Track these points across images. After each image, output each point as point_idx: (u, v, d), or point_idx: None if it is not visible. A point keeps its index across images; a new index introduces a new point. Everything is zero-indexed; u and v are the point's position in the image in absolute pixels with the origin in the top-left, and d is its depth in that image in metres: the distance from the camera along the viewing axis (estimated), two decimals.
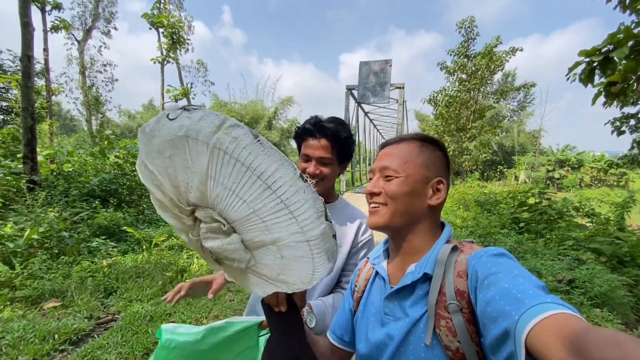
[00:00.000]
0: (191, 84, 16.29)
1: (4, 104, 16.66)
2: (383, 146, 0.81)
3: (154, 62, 14.82)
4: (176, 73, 15.78)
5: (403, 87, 10.51)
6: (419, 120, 23.15)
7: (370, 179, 0.79)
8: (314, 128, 1.11)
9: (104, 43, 18.09)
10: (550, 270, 3.94)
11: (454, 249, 0.67)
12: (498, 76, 20.47)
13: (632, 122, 8.67)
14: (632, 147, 8.86)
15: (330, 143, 1.10)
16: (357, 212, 1.25)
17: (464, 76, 16.17)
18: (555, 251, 4.77)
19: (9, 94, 16.51)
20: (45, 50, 12.98)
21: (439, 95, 16.29)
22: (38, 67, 14.63)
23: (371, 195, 0.75)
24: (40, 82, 14.43)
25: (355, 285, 0.86)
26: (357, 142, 15.72)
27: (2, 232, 4.19)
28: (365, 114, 14.96)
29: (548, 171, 31.65)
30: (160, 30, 14.53)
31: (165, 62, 14.89)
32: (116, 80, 19.14)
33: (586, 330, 0.38)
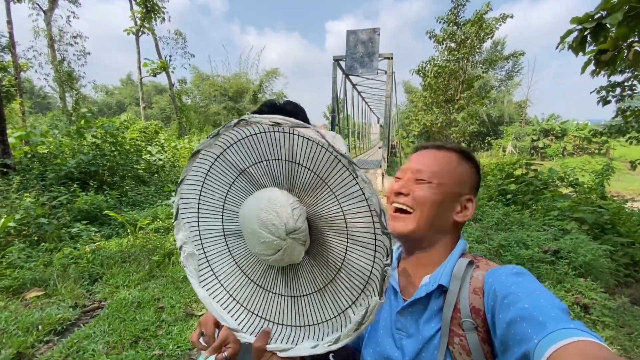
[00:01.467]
0: (170, 56, 15.43)
1: None
2: (419, 148, 0.79)
3: (128, 33, 13.88)
4: (153, 45, 14.86)
5: (392, 58, 10.18)
6: (408, 92, 22.89)
7: (397, 178, 0.76)
8: (269, 111, 1.07)
9: (72, 12, 16.73)
10: (537, 242, 4.02)
11: (470, 263, 0.65)
12: (487, 44, 20.13)
13: (618, 90, 8.71)
14: (617, 115, 8.96)
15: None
16: None
17: (453, 45, 15.80)
18: (540, 222, 4.86)
19: None
20: (9, 22, 11.91)
21: (428, 65, 15.96)
22: (3, 41, 13.56)
23: (397, 194, 0.72)
24: (7, 58, 13.42)
25: None
26: (345, 115, 15.43)
27: None
28: (354, 86, 14.60)
29: (533, 141, 32.32)
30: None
31: (140, 33, 13.96)
32: (88, 53, 17.91)
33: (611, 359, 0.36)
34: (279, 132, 0.59)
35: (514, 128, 29.74)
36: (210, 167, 0.68)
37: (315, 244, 0.64)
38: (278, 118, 0.57)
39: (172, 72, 15.90)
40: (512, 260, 3.67)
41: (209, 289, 0.69)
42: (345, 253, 0.59)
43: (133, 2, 13.54)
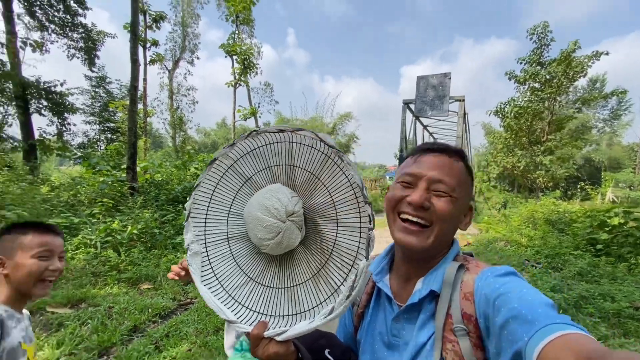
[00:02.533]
0: (258, 103, 17.93)
1: (112, 124, 20.22)
2: (427, 151, 0.72)
3: (228, 86, 16.72)
4: (246, 94, 17.54)
5: (463, 100, 10.18)
6: (488, 134, 21.77)
7: (406, 183, 0.70)
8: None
9: (188, 71, 21.02)
10: (630, 298, 3.54)
11: (460, 267, 0.65)
12: (582, 83, 18.40)
13: None
14: None
15: None
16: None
17: (536, 85, 14.97)
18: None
19: (115, 117, 20.03)
20: (145, 80, 15.60)
21: (507, 106, 15.28)
22: (138, 93, 17.59)
23: (417, 207, 0.66)
24: (139, 106, 17.35)
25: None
26: None
27: (112, 227, 5.25)
28: (425, 127, 14.69)
29: None
30: (234, 57, 16.41)
31: (237, 85, 16.69)
32: (197, 102, 21.91)
33: (601, 352, 0.37)
34: (282, 142, 0.71)
35: (624, 175, 25.39)
36: (222, 175, 0.76)
37: (310, 235, 0.70)
38: (282, 125, 0.69)
39: (260, 117, 18.34)
40: (595, 314, 3.31)
41: (210, 287, 0.70)
42: (336, 237, 0.64)
43: (235, 61, 16.44)
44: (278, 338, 0.59)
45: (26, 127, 13.50)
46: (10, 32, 13.51)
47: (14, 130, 16.20)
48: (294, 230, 0.66)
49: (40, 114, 17.47)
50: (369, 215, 0.59)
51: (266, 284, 0.70)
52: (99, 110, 20.34)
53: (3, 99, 15.01)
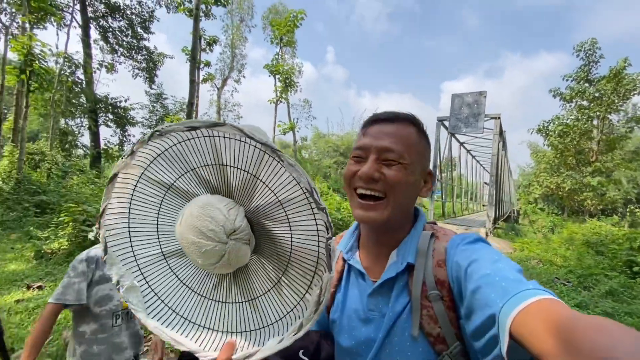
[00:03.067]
0: (297, 119, 18.93)
1: None
2: (375, 121, 0.70)
3: (270, 103, 17.93)
4: (286, 110, 18.64)
5: (499, 118, 10.16)
6: (534, 152, 20.89)
7: (357, 157, 0.69)
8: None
9: (235, 88, 22.79)
10: None
11: (431, 236, 0.67)
12: (638, 101, 17.19)
13: None
14: None
15: None
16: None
17: (584, 103, 14.35)
18: None
19: None
20: (197, 97, 17.27)
21: (551, 124, 14.74)
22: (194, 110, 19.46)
23: (367, 180, 0.65)
24: None
25: None
26: (450, 174, 15.31)
27: None
28: (461, 144, 14.62)
29: None
30: (277, 76, 17.64)
31: (278, 102, 17.86)
32: (241, 117, 23.60)
33: (572, 317, 0.37)
34: (197, 137, 0.58)
35: None
36: (134, 190, 0.65)
37: (262, 241, 0.63)
38: (192, 121, 0.56)
39: (297, 131, 19.35)
40: None
41: (160, 318, 0.64)
42: (292, 241, 0.58)
43: (277, 80, 17.66)
44: None
45: (95, 137, 15.57)
46: (88, 54, 15.86)
47: (84, 139, 18.60)
48: (241, 247, 0.58)
49: (107, 125, 19.90)
50: (325, 223, 0.53)
51: (223, 300, 0.64)
52: (155, 123, 22.69)
53: (78, 112, 17.32)
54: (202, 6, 17.10)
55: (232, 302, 0.64)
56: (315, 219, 0.54)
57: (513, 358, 0.43)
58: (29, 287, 3.77)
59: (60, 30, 15.84)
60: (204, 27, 17.50)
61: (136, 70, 21.52)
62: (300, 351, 0.70)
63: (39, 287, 3.79)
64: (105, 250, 0.65)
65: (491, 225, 9.96)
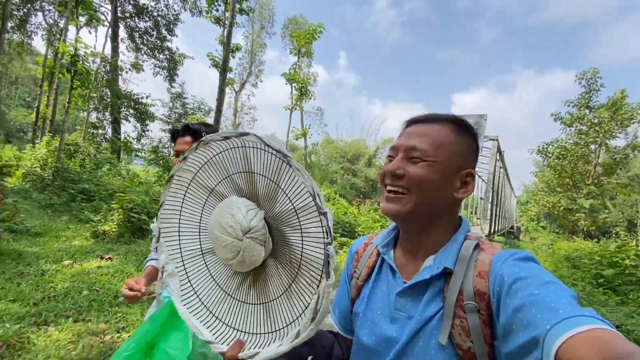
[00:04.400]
0: (309, 125, 19.97)
1: None
2: (411, 123, 0.72)
3: (286, 110, 18.99)
4: (299, 116, 19.70)
5: (497, 140, 11.08)
6: (540, 170, 21.60)
7: (390, 157, 0.70)
8: (181, 129, 1.39)
9: (252, 92, 23.96)
10: (612, 319, 4.29)
11: (476, 246, 0.64)
12: (635, 129, 17.93)
13: None
14: None
15: (193, 138, 1.37)
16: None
17: (584, 128, 15.16)
18: (631, 310, 4.93)
19: None
20: (217, 100, 18.42)
21: (550, 146, 15.56)
22: (206, 107, 20.48)
23: (392, 177, 0.66)
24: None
25: (354, 272, 0.80)
26: None
27: None
28: None
29: None
30: (293, 85, 18.73)
31: (293, 109, 18.93)
32: (256, 120, 24.76)
33: (632, 350, 0.35)
34: (236, 147, 0.66)
35: None
36: (187, 190, 0.74)
37: (279, 246, 0.66)
38: (226, 132, 0.66)
39: (309, 137, 20.38)
40: None
41: (190, 306, 0.69)
42: (302, 248, 0.60)
43: (293, 88, 18.74)
44: None
45: (116, 131, 16.75)
46: (116, 52, 17.12)
47: (107, 132, 19.80)
48: (255, 247, 0.63)
49: (127, 120, 21.14)
50: (325, 228, 0.55)
51: (243, 300, 0.68)
52: (174, 120, 23.91)
53: (102, 107, 18.52)
54: (228, 14, 18.30)
55: (250, 303, 0.67)
56: (322, 226, 0.55)
57: None
58: (101, 258, 4.76)
59: (90, 29, 17.12)
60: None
61: (157, 69, 22.86)
62: (309, 357, 0.70)
63: (109, 259, 4.77)
64: (158, 239, 0.72)
65: (485, 238, 10.75)
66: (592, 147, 14.83)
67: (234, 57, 19.83)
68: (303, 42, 18.41)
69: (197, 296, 0.71)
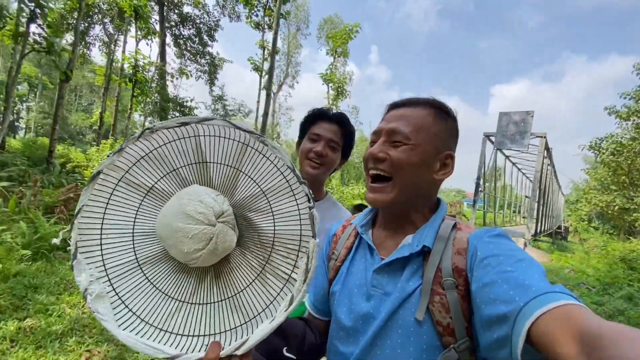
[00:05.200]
0: None
1: None
2: (393, 107, 0.73)
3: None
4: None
5: (545, 137, 10.70)
6: (593, 167, 20.32)
7: (373, 142, 0.71)
8: (327, 113, 1.20)
9: (289, 93, 24.74)
10: None
11: (454, 226, 0.66)
12: None
13: None
14: None
15: (341, 129, 1.18)
16: (344, 212, 1.22)
17: None
18: None
19: None
20: (258, 101, 19.31)
21: (604, 142, 14.60)
22: (246, 109, 21.46)
23: (375, 160, 0.68)
24: (251, 121, 21.32)
25: (333, 253, 0.80)
26: (495, 185, 15.73)
27: None
28: (506, 157, 15.03)
29: None
30: (330, 85, 19.15)
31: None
32: (293, 120, 25.56)
33: (599, 324, 0.36)
34: (185, 137, 0.64)
35: None
36: (112, 192, 0.63)
37: (244, 233, 0.64)
38: (184, 118, 0.61)
39: None
40: (623, 321, 4.28)
41: (133, 329, 0.59)
42: (275, 228, 0.61)
43: (330, 88, 19.17)
44: (239, 352, 0.54)
45: None
46: (163, 59, 18.50)
47: None
48: (228, 232, 0.60)
49: None
50: (306, 195, 0.58)
51: (204, 302, 0.62)
52: None
53: (155, 111, 20.08)
54: (267, 19, 19.09)
55: (214, 302, 0.62)
56: (294, 195, 0.59)
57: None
58: None
59: (148, 41, 18.69)
60: (266, 39, 19.49)
61: (199, 73, 24.31)
62: (284, 349, 0.68)
63: None
64: (75, 256, 0.59)
65: (530, 237, 10.54)
66: None
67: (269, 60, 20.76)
68: (339, 42, 18.75)
69: (139, 317, 0.60)
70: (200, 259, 0.59)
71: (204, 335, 0.60)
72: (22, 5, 8.08)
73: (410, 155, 0.65)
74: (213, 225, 0.58)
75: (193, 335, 0.60)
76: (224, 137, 0.63)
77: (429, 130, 0.67)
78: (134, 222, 0.65)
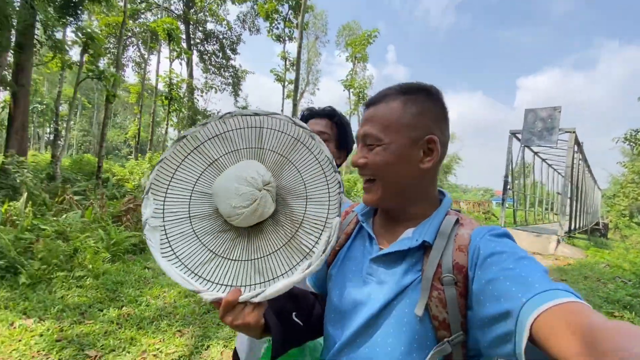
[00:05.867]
0: None
1: None
2: (366, 107, 0.71)
3: (347, 114, 19.94)
4: (356, 121, 20.51)
5: (574, 132, 10.49)
6: (626, 157, 19.34)
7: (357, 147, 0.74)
8: (317, 111, 1.31)
9: (311, 100, 25.38)
10: None
11: (456, 221, 0.65)
12: None
13: None
14: None
15: (330, 121, 1.26)
16: (346, 201, 1.20)
17: None
18: None
19: None
20: (282, 111, 20.07)
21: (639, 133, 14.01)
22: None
23: (358, 167, 0.70)
24: None
25: None
26: (525, 182, 15.40)
27: None
28: (535, 154, 14.74)
29: None
30: (351, 90, 19.60)
31: (351, 115, 19.78)
32: None
33: (601, 322, 0.37)
34: (253, 127, 0.76)
35: None
36: (188, 155, 0.76)
37: (279, 209, 0.73)
38: (257, 110, 0.75)
39: None
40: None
41: (172, 263, 0.68)
42: (305, 210, 0.70)
43: (351, 94, 19.61)
44: (256, 299, 0.60)
45: None
46: (191, 75, 19.59)
47: None
48: (269, 199, 0.69)
49: None
50: (338, 182, 0.68)
51: (233, 258, 0.69)
52: None
53: (181, 124, 21.27)
54: (287, 30, 19.83)
55: (242, 260, 0.68)
56: (327, 183, 0.69)
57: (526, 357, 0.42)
58: None
59: (180, 60, 19.97)
60: (287, 50, 20.23)
61: (223, 86, 25.44)
62: (294, 313, 0.72)
63: None
64: (147, 192, 0.72)
65: (563, 234, 10.33)
66: None
67: (295, 70, 21.49)
68: (359, 48, 19.18)
69: (178, 258, 0.69)
70: (242, 217, 0.67)
71: (227, 285, 0.66)
72: (75, 37, 9.12)
73: (385, 155, 0.65)
74: (259, 190, 0.67)
75: (218, 283, 0.67)
76: (281, 131, 0.74)
77: (399, 123, 0.65)
78: (195, 183, 0.75)
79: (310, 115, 1.30)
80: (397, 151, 0.65)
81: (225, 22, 23.10)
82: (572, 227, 12.53)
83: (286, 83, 20.29)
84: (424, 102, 0.66)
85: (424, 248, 0.63)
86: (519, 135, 11.30)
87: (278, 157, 0.74)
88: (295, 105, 11.07)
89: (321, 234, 0.66)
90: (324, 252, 0.63)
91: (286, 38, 20.08)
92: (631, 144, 14.95)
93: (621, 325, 0.35)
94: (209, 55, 24.98)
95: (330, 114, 1.27)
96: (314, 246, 0.65)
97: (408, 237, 0.66)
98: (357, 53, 19.61)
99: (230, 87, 25.48)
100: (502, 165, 12.27)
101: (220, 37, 24.45)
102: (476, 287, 0.54)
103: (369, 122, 0.67)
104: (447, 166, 27.91)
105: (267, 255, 0.68)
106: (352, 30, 23.98)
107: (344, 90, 19.89)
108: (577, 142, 11.20)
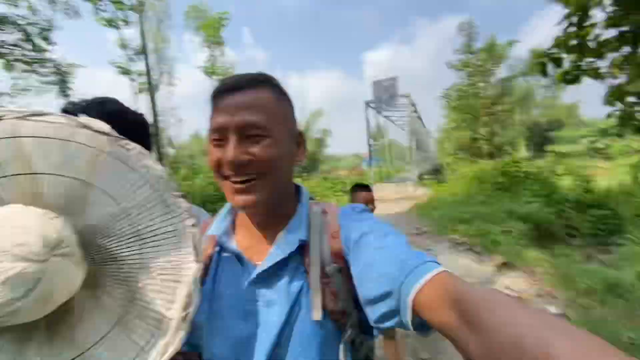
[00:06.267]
0: None
1: None
2: (226, 92, 0.57)
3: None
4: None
5: (409, 96, 13.22)
6: (446, 110, 25.48)
7: (217, 141, 0.57)
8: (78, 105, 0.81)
9: (171, 92, 22.77)
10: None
11: (323, 211, 0.64)
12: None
13: None
14: None
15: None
16: (200, 213, 1.01)
17: (471, 70, 18.40)
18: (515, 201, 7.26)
19: None
20: (137, 108, 17.51)
21: (450, 91, 18.70)
22: None
23: (236, 167, 0.55)
24: None
25: None
26: (383, 143, 18.37)
27: None
28: (387, 117, 17.74)
29: (591, 142, 31.07)
30: (214, 77, 18.52)
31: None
32: (182, 119, 23.83)
33: (470, 291, 0.40)
34: (6, 137, 0.43)
35: (568, 132, 29.42)
36: None
37: (100, 269, 0.47)
38: (3, 109, 0.43)
39: None
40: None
41: None
42: (141, 255, 0.47)
43: (215, 81, 18.61)
44: None
45: None
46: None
47: None
48: (69, 269, 0.42)
49: None
50: (186, 211, 0.48)
51: None
52: None
53: None
54: (119, 13, 16.86)
55: None
56: (170, 212, 0.47)
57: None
58: None
59: None
60: (125, 37, 17.29)
61: (45, 86, 20.18)
62: None
63: None
64: None
65: (416, 179, 13.22)
66: (481, 85, 18.22)
67: (140, 60, 18.64)
68: (212, 32, 17.96)
69: None
70: (22, 315, 0.39)
71: None
72: None
73: (278, 148, 0.57)
74: (42, 261, 0.39)
75: None
76: (66, 140, 0.46)
77: (280, 114, 0.59)
78: None
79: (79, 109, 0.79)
80: (284, 143, 0.59)
81: (26, 4, 17.88)
82: (420, 172, 15.85)
83: (135, 76, 17.54)
84: (286, 94, 0.63)
85: (300, 247, 0.59)
86: (373, 105, 13.44)
87: (70, 184, 0.46)
88: (153, 100, 9.82)
89: (175, 292, 0.46)
90: (184, 319, 0.45)
91: (120, 22, 17.10)
92: (446, 100, 19.78)
93: (490, 295, 0.39)
94: (9, 48, 19.02)
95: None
96: (170, 307, 0.46)
97: (283, 242, 0.60)
98: (210, 37, 18.48)
99: (57, 85, 20.28)
100: (364, 132, 14.36)
101: (20, 22, 18.86)
102: (355, 270, 0.55)
103: (247, 109, 0.55)
104: (322, 140, 30.19)
105: (93, 347, 0.44)
106: (200, 12, 22.21)
107: (205, 78, 18.64)
108: (412, 103, 13.99)
